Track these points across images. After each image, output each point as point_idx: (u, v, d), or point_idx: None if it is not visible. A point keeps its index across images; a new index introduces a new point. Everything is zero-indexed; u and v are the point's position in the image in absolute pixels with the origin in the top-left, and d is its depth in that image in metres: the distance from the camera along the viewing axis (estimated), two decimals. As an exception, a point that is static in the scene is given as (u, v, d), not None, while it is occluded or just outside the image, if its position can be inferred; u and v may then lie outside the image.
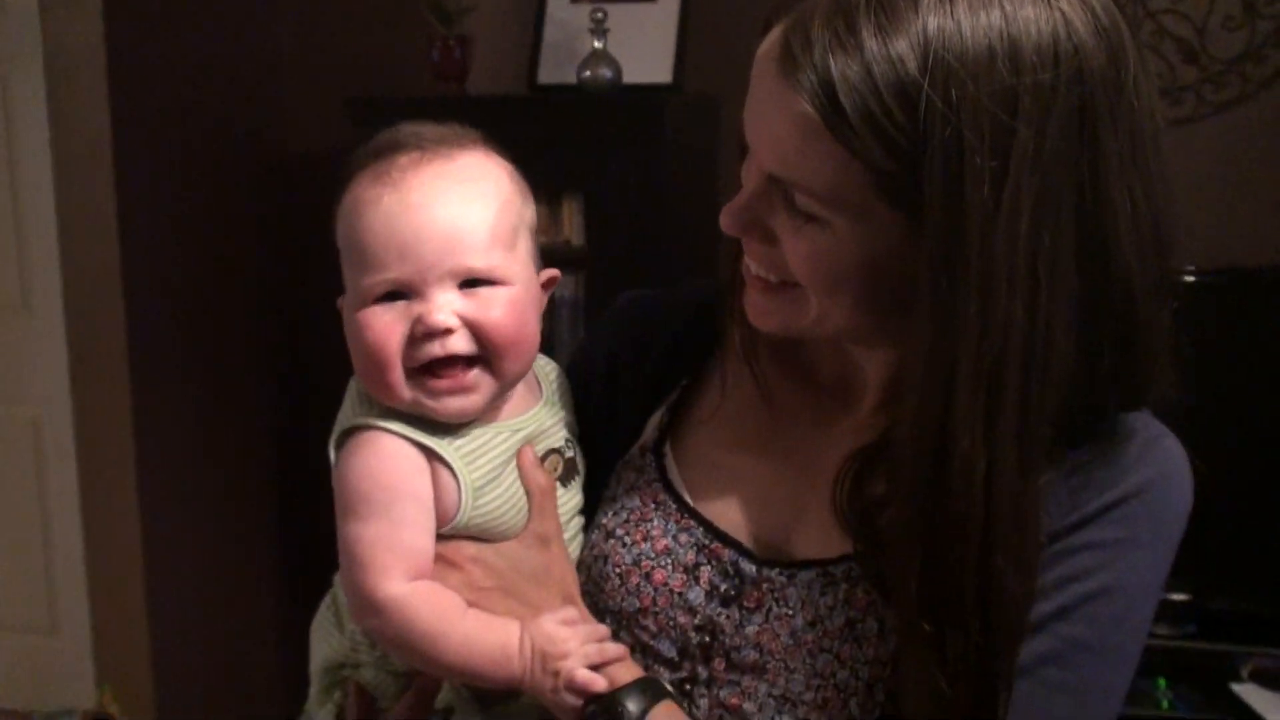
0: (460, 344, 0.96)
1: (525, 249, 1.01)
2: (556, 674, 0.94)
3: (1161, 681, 2.45)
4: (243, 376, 3.31)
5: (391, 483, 0.97)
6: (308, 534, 3.31)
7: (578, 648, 0.95)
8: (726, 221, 0.93)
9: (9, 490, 3.18)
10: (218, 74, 3.09)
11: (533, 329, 1.00)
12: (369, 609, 0.96)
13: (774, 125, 0.86)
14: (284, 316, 3.37)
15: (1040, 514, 0.87)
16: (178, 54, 2.98)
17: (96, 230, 2.88)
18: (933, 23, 0.79)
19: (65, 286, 2.97)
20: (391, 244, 0.95)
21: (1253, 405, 2.49)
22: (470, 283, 0.96)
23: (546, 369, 1.11)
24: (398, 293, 0.96)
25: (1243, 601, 2.54)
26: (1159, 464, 0.94)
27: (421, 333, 0.95)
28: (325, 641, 1.07)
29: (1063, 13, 0.81)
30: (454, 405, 0.97)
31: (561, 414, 1.07)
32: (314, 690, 1.09)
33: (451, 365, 0.96)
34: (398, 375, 0.96)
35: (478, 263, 0.96)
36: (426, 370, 0.96)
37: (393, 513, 0.96)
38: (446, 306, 0.95)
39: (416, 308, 0.95)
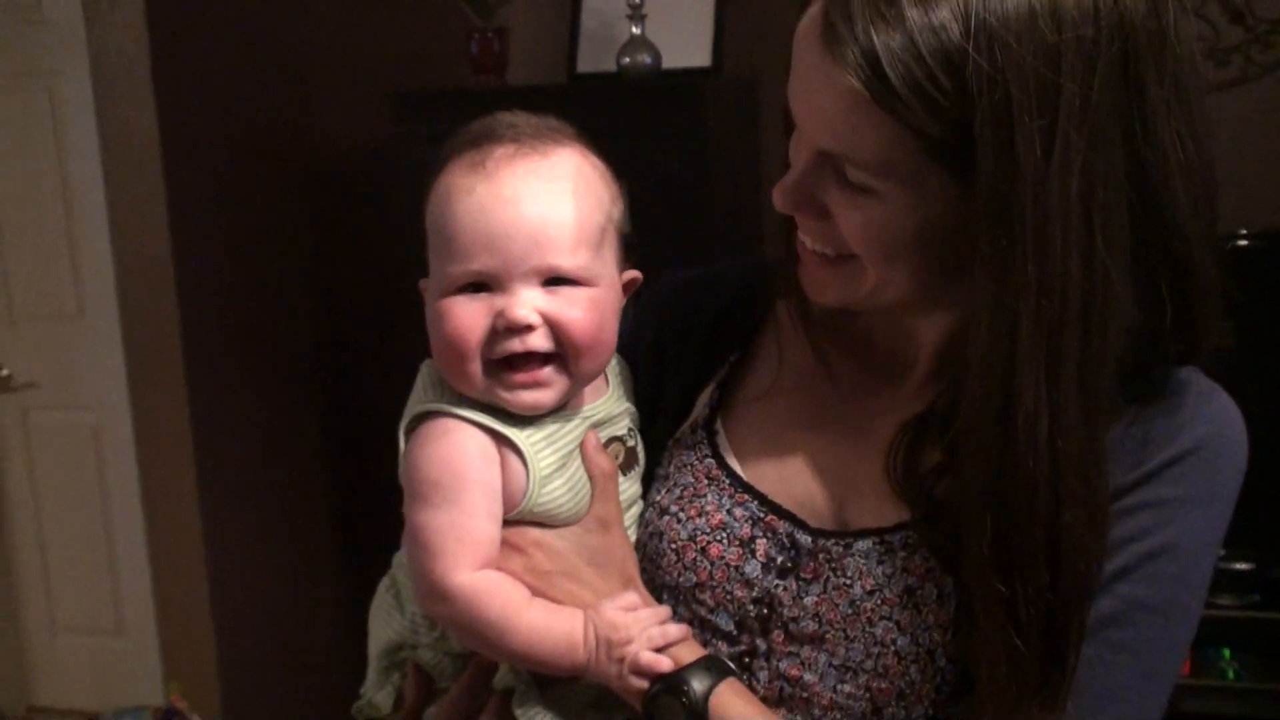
0: (540, 341, 0.96)
1: (611, 249, 1.02)
2: (621, 660, 0.95)
3: (1226, 651, 2.43)
4: (296, 372, 3.34)
5: (462, 470, 0.97)
6: (366, 527, 3.34)
7: (640, 633, 0.95)
8: (780, 199, 0.94)
9: (71, 495, 3.23)
10: (260, 73, 3.13)
11: (611, 331, 1.00)
12: (437, 597, 0.96)
13: (821, 100, 0.87)
14: (334, 310, 3.41)
15: (1105, 466, 0.88)
16: (220, 55, 3.01)
17: (148, 233, 2.92)
18: None
19: (120, 291, 3.01)
20: (480, 236, 0.95)
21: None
22: (553, 281, 0.97)
23: (617, 362, 1.11)
24: (481, 284, 0.97)
25: (1308, 569, 2.52)
26: (1214, 421, 0.94)
27: (503, 327, 0.95)
28: (385, 624, 1.07)
29: None
30: (528, 399, 0.98)
31: (626, 404, 1.08)
32: (372, 673, 1.10)
33: (529, 360, 0.97)
34: (476, 366, 0.97)
35: (563, 261, 0.96)
36: (504, 363, 0.97)
37: (463, 501, 0.97)
38: (529, 303, 0.96)
39: (499, 301, 0.96)
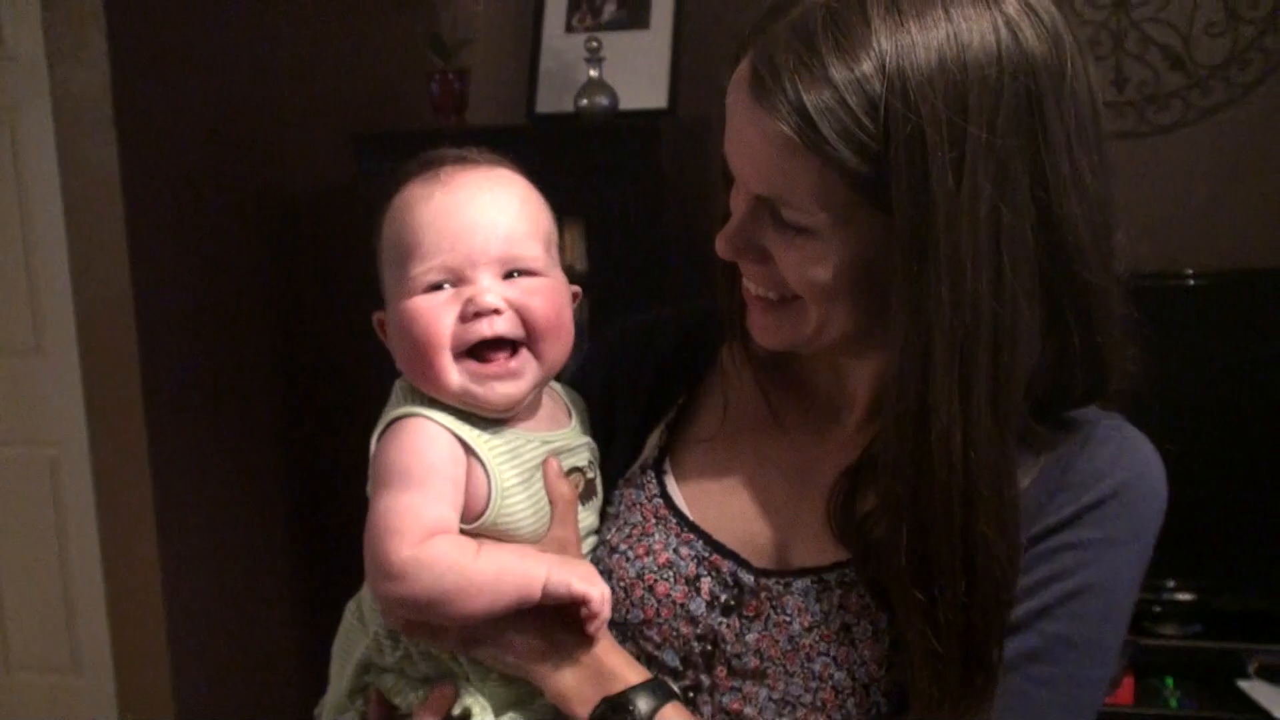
0: (507, 326, 1.01)
1: (555, 258, 1.08)
2: (585, 584, 0.98)
3: (1170, 680, 2.48)
4: (256, 410, 3.34)
5: (430, 461, 1.00)
6: (327, 567, 3.34)
7: (593, 570, 1.02)
8: (722, 247, 0.99)
9: (28, 530, 3.20)
10: (223, 112, 3.14)
11: (570, 320, 1.06)
12: (385, 575, 0.98)
13: (754, 148, 0.92)
14: (296, 348, 3.41)
15: (1016, 478, 0.92)
16: (183, 96, 3.02)
17: (108, 270, 2.91)
18: (887, 41, 0.86)
19: (79, 326, 2.99)
20: (443, 234, 1.01)
21: (1252, 405, 2.52)
22: (512, 274, 1.02)
23: (574, 398, 1.16)
24: (444, 283, 1.02)
25: (1247, 599, 2.57)
26: (1134, 466, 0.98)
27: (472, 312, 1.00)
28: (352, 644, 1.09)
29: (1005, 15, 0.88)
30: (501, 390, 1.02)
31: (586, 438, 1.11)
32: (332, 694, 1.12)
33: (497, 350, 1.01)
34: (447, 358, 1.01)
35: (523, 251, 1.03)
36: (472, 356, 1.01)
37: (427, 487, 0.99)
38: (495, 290, 1.01)
39: (466, 292, 1.01)
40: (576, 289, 1.11)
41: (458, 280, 1.02)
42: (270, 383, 3.37)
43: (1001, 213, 0.87)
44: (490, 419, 1.04)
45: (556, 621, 1.00)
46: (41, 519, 3.18)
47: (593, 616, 0.98)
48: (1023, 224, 0.88)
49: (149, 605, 3.03)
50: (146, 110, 2.91)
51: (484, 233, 1.02)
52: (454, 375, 1.01)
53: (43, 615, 3.22)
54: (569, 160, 2.72)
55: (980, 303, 0.88)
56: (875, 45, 0.86)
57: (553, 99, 2.94)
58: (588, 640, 1.00)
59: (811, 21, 0.88)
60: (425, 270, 1.02)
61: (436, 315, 1.01)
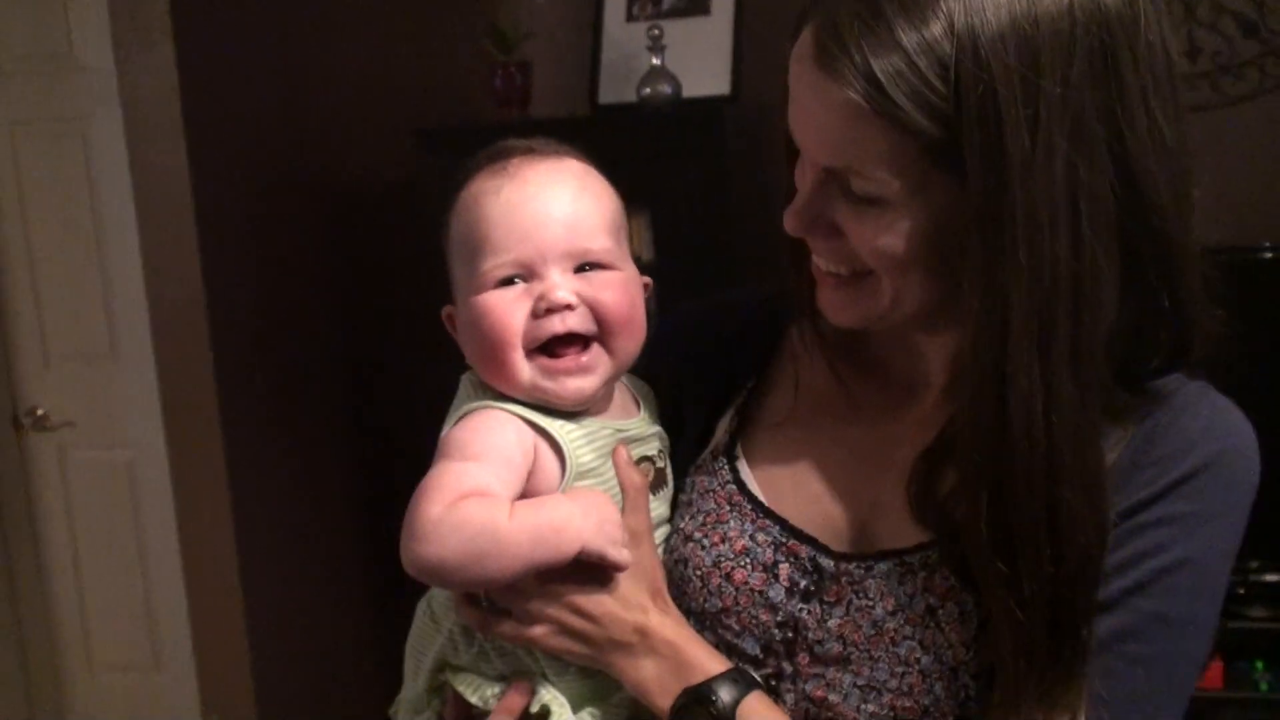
0: (579, 321, 1.00)
1: (625, 248, 1.07)
2: (612, 521, 0.98)
3: (1260, 664, 2.43)
4: (329, 408, 3.37)
5: (495, 445, 0.99)
6: (401, 563, 3.37)
7: (610, 500, 1.01)
8: (791, 223, 0.97)
9: (108, 533, 3.27)
10: (288, 113, 3.17)
11: (642, 313, 1.05)
12: (412, 535, 0.95)
13: (821, 118, 0.90)
14: (366, 346, 3.44)
15: (1100, 443, 0.91)
16: (249, 97, 3.06)
17: (180, 273, 2.96)
18: (955, 1, 0.84)
19: (153, 330, 3.05)
20: (514, 229, 1.00)
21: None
22: (583, 268, 1.01)
23: (644, 389, 1.14)
24: (515, 277, 1.01)
25: (1339, 579, 2.51)
26: (1226, 437, 0.96)
27: (544, 309, 0.99)
28: (427, 644, 1.09)
29: None
30: (572, 385, 1.01)
31: (656, 427, 1.11)
32: (407, 691, 1.12)
33: (569, 345, 1.01)
34: (519, 354, 1.00)
35: (594, 245, 1.02)
36: (544, 352, 1.00)
37: (481, 461, 0.98)
38: (566, 285, 1.00)
39: (537, 287, 1.00)
40: (648, 280, 1.10)
41: (529, 275, 1.01)
42: (340, 380, 3.40)
43: (1079, 169, 0.85)
44: (563, 411, 1.03)
45: (634, 609, 1.00)
46: (121, 521, 3.24)
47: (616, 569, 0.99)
48: (1101, 180, 0.86)
49: (228, 604, 3.08)
50: (214, 114, 2.95)
51: (554, 226, 1.01)
52: (525, 371, 1.01)
53: (125, 615, 3.29)
54: (633, 150, 2.70)
55: (1059, 264, 0.86)
56: (943, 5, 0.84)
57: (615, 89, 2.94)
58: (666, 628, 1.00)
59: None
60: (496, 265, 1.01)
61: (508, 311, 1.00)
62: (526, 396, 1.02)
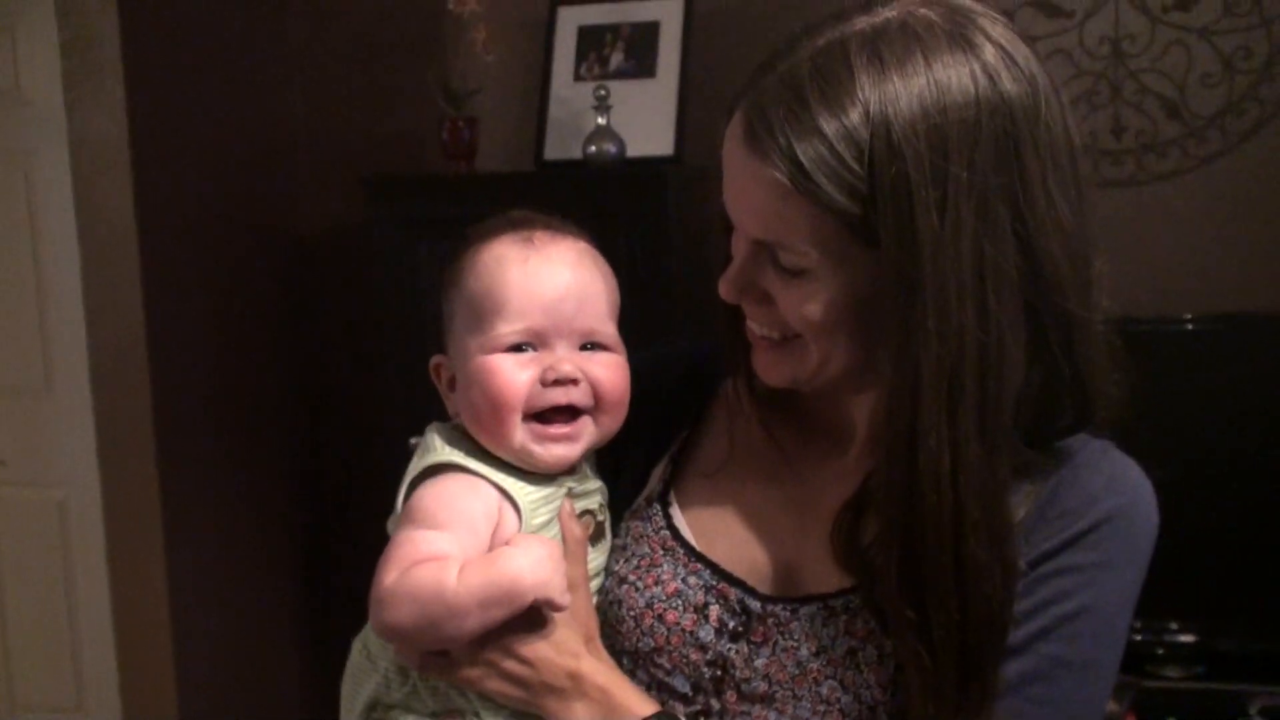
0: (580, 396, 1.06)
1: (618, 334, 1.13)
2: (558, 568, 1.00)
3: (1174, 723, 2.49)
4: (269, 452, 3.36)
5: (462, 513, 1.04)
6: (336, 610, 3.35)
7: (555, 545, 1.03)
8: (725, 290, 1.03)
9: (37, 572, 3.22)
10: (237, 157, 3.19)
11: (628, 394, 1.10)
12: (373, 601, 1.00)
13: (750, 194, 0.97)
14: (308, 391, 3.44)
15: (1007, 499, 0.96)
16: (198, 139, 3.07)
17: (122, 313, 2.95)
18: (871, 91, 0.91)
19: (91, 368, 3.03)
20: (534, 298, 1.06)
21: (1252, 447, 2.55)
22: (587, 345, 1.08)
23: None
24: (526, 345, 1.06)
25: (1250, 641, 2.58)
26: (1126, 491, 1.02)
27: (551, 379, 1.05)
28: (361, 682, 1.11)
29: (982, 61, 0.92)
30: (558, 451, 1.07)
31: (598, 482, 1.15)
32: None
33: (563, 413, 1.06)
34: (517, 417, 1.05)
35: (600, 326, 1.08)
36: (537, 417, 1.06)
37: (446, 533, 1.02)
38: (573, 360, 1.06)
39: (546, 358, 1.06)
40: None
41: (539, 345, 1.07)
42: (282, 423, 3.40)
43: (984, 247, 0.91)
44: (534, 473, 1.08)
45: (566, 655, 1.03)
46: (50, 561, 3.20)
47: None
48: (1005, 257, 0.92)
49: (157, 646, 3.05)
50: (162, 156, 2.96)
51: (572, 304, 1.06)
52: (519, 434, 1.06)
53: (49, 657, 3.23)
54: (577, 207, 2.68)
55: (965, 333, 0.92)
56: (860, 95, 0.91)
57: (561, 146, 2.98)
58: (598, 674, 1.04)
59: (799, 74, 0.93)
60: (511, 331, 1.06)
61: (515, 377, 1.05)
62: (511, 456, 1.07)
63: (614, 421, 1.09)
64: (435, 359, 1.14)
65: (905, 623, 0.95)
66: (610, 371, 1.08)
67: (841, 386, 1.06)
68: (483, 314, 1.08)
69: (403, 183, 2.99)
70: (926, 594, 0.94)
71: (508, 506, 1.06)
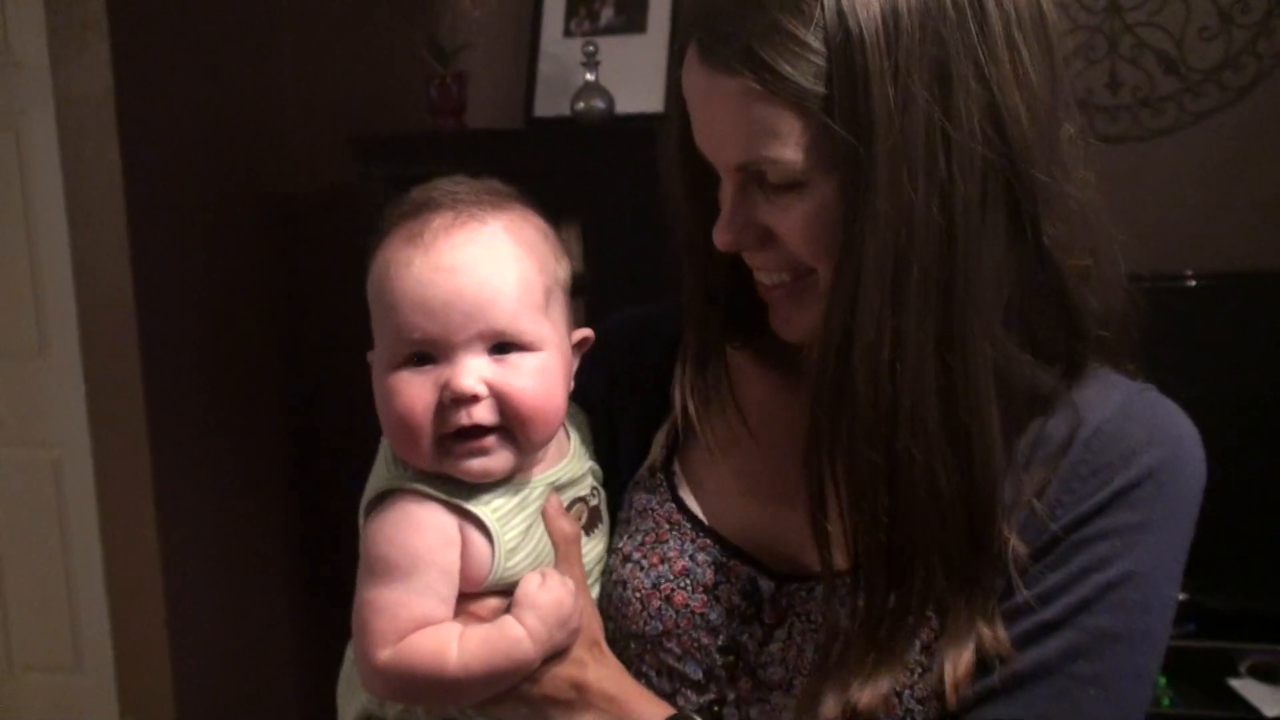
0: (484, 414, 0.96)
1: (558, 311, 1.02)
2: (564, 623, 0.96)
3: (1162, 679, 2.49)
4: (258, 411, 3.36)
5: (418, 552, 0.96)
6: (328, 568, 3.36)
7: (566, 594, 0.97)
8: (722, 238, 0.95)
9: (31, 531, 3.22)
10: (224, 116, 3.16)
11: (560, 397, 1.00)
12: (370, 676, 0.96)
13: (722, 117, 0.90)
14: (296, 350, 3.43)
15: (980, 407, 0.89)
16: (184, 99, 3.05)
17: (111, 273, 2.93)
18: None
19: (81, 329, 3.02)
20: (420, 306, 0.95)
21: (1246, 405, 2.54)
22: (500, 348, 0.97)
23: (576, 415, 1.11)
24: (426, 356, 0.96)
25: (1240, 600, 2.59)
26: (1170, 444, 0.94)
27: (449, 399, 0.95)
28: (353, 694, 1.06)
29: None
30: (477, 466, 0.97)
31: (589, 463, 1.08)
32: None
33: (474, 431, 0.96)
34: (426, 441, 0.96)
35: (507, 326, 0.96)
36: (452, 435, 0.96)
37: (413, 581, 0.95)
38: (474, 372, 0.95)
39: (445, 372, 0.95)
40: (585, 333, 1.07)
41: (439, 355, 0.96)
42: (271, 383, 3.40)
43: (937, 116, 0.85)
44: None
45: (570, 663, 0.98)
46: (44, 520, 3.20)
47: None
48: (964, 129, 0.85)
49: (150, 605, 3.05)
50: (148, 114, 2.93)
51: (466, 306, 0.95)
52: (432, 455, 0.97)
53: (45, 615, 3.25)
54: (566, 163, 2.74)
55: (915, 212, 0.85)
56: None
57: (550, 103, 2.96)
58: (605, 681, 0.99)
59: None
60: (404, 342, 0.96)
61: (415, 398, 0.96)
62: (437, 472, 0.98)
63: (539, 432, 0.98)
64: (370, 353, 1.02)
65: (827, 537, 0.90)
66: (524, 378, 0.96)
67: None
68: (380, 323, 0.99)
69: (390, 141, 2.97)
70: (856, 496, 0.88)
71: (470, 527, 0.98)
